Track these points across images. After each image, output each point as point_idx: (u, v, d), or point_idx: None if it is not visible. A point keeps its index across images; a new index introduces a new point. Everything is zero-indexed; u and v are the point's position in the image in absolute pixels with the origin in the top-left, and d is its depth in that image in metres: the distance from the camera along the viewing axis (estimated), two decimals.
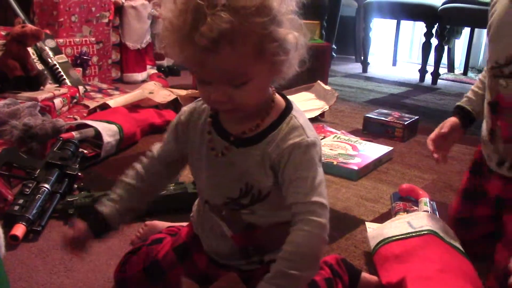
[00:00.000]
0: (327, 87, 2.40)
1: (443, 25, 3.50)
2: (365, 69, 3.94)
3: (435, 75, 3.63)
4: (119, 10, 2.82)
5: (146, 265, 0.99)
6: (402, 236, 1.08)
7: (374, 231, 1.17)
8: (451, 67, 4.10)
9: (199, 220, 0.98)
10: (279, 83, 0.85)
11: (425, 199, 1.24)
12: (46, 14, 2.41)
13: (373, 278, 1.05)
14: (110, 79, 2.74)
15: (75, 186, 1.44)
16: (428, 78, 3.66)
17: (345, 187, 1.64)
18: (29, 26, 1.82)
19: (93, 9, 2.57)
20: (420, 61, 4.05)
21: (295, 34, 0.78)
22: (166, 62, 3.26)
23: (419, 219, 1.13)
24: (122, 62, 2.93)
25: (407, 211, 1.25)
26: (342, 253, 1.22)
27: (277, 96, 0.87)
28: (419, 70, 3.69)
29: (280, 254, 0.79)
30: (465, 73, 4.07)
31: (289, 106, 0.86)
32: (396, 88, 3.38)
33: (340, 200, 1.53)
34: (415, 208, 1.26)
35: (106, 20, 2.65)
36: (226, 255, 0.95)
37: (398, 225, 1.14)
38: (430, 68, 3.66)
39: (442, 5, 3.42)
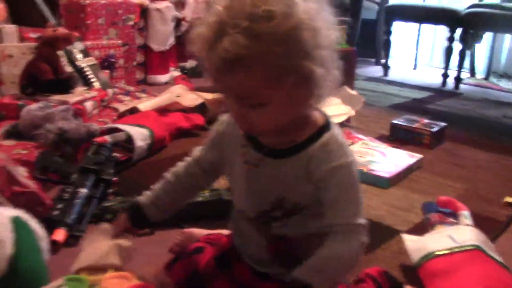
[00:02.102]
0: (353, 92, 2.40)
1: (466, 30, 3.47)
2: (386, 73, 3.92)
3: (458, 80, 3.60)
4: (144, 13, 2.84)
5: (188, 275, 1.00)
6: (447, 251, 1.07)
7: (415, 244, 1.16)
8: (472, 72, 4.06)
9: (236, 228, 0.99)
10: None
11: (465, 212, 1.23)
12: (74, 16, 2.43)
13: None
14: (134, 80, 2.75)
15: (110, 191, 1.45)
16: (450, 82, 3.64)
17: (376, 195, 1.63)
18: (61, 30, 1.84)
19: (119, 11, 2.58)
20: (441, 65, 4.04)
21: (322, 71, 0.74)
22: (188, 64, 3.27)
23: (461, 233, 1.12)
24: (147, 64, 2.95)
25: (444, 223, 1.24)
26: (379, 264, 1.21)
27: (316, 113, 0.85)
28: (442, 75, 3.66)
29: (315, 259, 0.81)
30: (486, 78, 4.04)
31: (328, 124, 0.84)
32: (418, 93, 3.35)
33: (372, 208, 1.53)
34: (451, 220, 1.25)
35: (131, 23, 2.67)
36: (265, 263, 0.95)
37: (440, 239, 1.13)
38: (451, 72, 3.63)
39: (466, 9, 3.40)
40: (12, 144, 1.53)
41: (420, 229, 1.36)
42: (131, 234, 1.05)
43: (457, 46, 3.54)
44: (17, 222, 0.95)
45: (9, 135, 1.58)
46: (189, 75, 3.16)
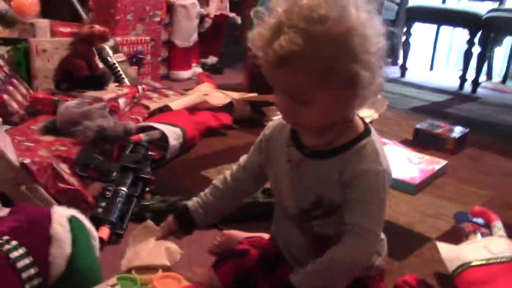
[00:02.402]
0: (377, 96, 2.42)
1: (487, 34, 3.48)
2: (403, 74, 3.93)
3: (475, 83, 3.61)
4: (170, 9, 2.86)
5: (235, 277, 1.03)
6: (484, 262, 1.10)
7: (450, 253, 1.19)
8: (489, 75, 4.07)
9: (278, 228, 1.04)
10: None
11: (498, 223, 1.26)
12: (103, 12, 2.46)
13: None
14: (158, 76, 2.79)
15: (147, 189, 1.49)
16: (467, 85, 3.65)
17: (404, 201, 1.66)
18: (97, 27, 1.86)
19: (147, 7, 2.61)
20: (457, 67, 4.06)
21: (368, 75, 0.79)
22: (210, 60, 3.30)
23: (497, 245, 1.15)
24: (170, 60, 2.98)
25: (478, 234, 1.27)
26: (413, 271, 1.24)
27: (357, 119, 0.90)
28: (460, 77, 3.67)
29: (314, 265, 0.87)
30: (503, 81, 4.05)
31: (367, 131, 0.89)
32: (437, 96, 3.37)
33: (401, 214, 1.56)
34: (485, 230, 1.28)
35: (158, 19, 2.69)
36: (306, 264, 0.99)
37: (476, 249, 1.16)
38: (468, 75, 3.64)
39: (487, 13, 3.40)
40: (50, 140, 1.55)
41: (451, 236, 1.40)
42: (176, 237, 1.09)
43: (476, 49, 3.55)
44: (73, 222, 0.99)
45: (47, 130, 1.61)
46: (210, 71, 3.19)
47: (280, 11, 0.79)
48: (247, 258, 1.06)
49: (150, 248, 1.09)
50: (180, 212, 1.08)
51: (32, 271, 0.90)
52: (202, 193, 1.07)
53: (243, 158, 1.06)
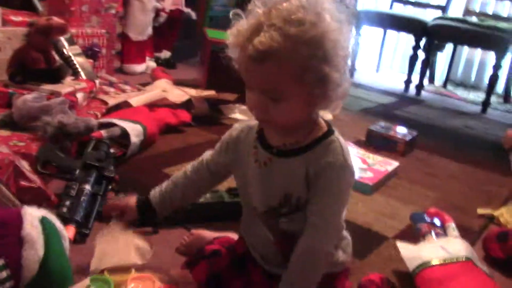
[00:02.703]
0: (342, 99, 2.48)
1: (431, 40, 3.64)
2: (352, 75, 4.04)
3: (420, 87, 3.77)
4: (125, 2, 2.81)
5: (208, 277, 1.05)
6: (442, 261, 1.17)
7: (409, 252, 1.26)
8: (432, 79, 4.26)
9: (246, 227, 1.07)
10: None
11: (452, 224, 1.34)
12: (57, 2, 2.37)
13: None
14: (112, 69, 2.73)
15: (110, 187, 1.47)
16: (411, 88, 3.80)
17: (361, 201, 1.72)
18: (55, 19, 1.80)
19: None
20: (401, 70, 4.24)
21: (338, 76, 0.85)
22: (163, 54, 3.26)
23: (453, 245, 1.23)
24: (123, 53, 2.92)
25: (433, 234, 1.34)
26: (373, 269, 1.30)
27: (321, 120, 0.96)
28: (405, 81, 3.82)
29: (291, 264, 0.93)
30: (444, 85, 4.25)
31: (330, 130, 0.95)
32: (384, 98, 3.50)
33: (360, 214, 1.62)
34: (439, 231, 1.36)
35: (113, 11, 2.63)
36: (274, 262, 1.02)
37: (434, 249, 1.23)
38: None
39: (432, 20, 3.56)
40: (8, 135, 1.50)
41: (407, 236, 1.47)
42: (139, 233, 1.12)
43: (420, 54, 3.71)
44: (45, 223, 0.97)
45: (2, 124, 1.55)
46: (163, 65, 3.16)
47: (260, 12, 0.86)
48: (219, 258, 1.07)
49: (120, 247, 1.08)
50: (142, 201, 1.14)
51: (4, 274, 0.88)
52: (162, 184, 1.14)
53: (206, 156, 1.10)
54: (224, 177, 1.12)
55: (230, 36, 0.88)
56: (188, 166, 1.12)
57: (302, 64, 0.83)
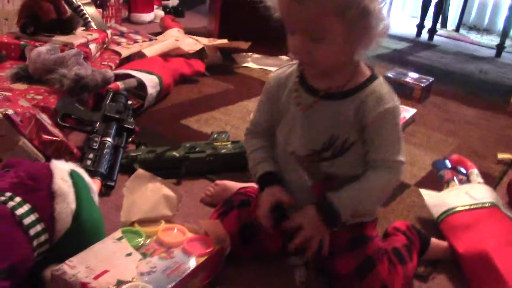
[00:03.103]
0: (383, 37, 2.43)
1: None
2: None
3: (432, 31, 3.69)
4: None
5: (242, 226, 1.05)
6: (467, 207, 1.17)
7: (434, 199, 1.26)
8: (444, 23, 4.16)
9: (280, 173, 1.05)
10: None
11: (475, 171, 1.33)
12: None
13: (442, 243, 1.14)
14: (119, 19, 2.67)
15: (130, 139, 1.46)
16: (424, 33, 3.72)
17: None
18: None
19: None
20: (412, 14, 4.14)
21: (378, 8, 0.85)
22: (171, 2, 3.18)
23: (478, 191, 1.23)
24: (131, 2, 2.85)
25: (457, 181, 1.34)
26: (397, 217, 1.31)
27: (363, 65, 0.96)
28: (417, 26, 3.74)
29: (351, 189, 0.95)
30: (457, 29, 4.15)
31: (374, 74, 0.96)
32: (397, 43, 3.43)
33: None
34: (462, 177, 1.35)
35: None
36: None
37: (458, 196, 1.23)
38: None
39: None
40: (24, 88, 1.48)
41: (429, 182, 1.47)
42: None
43: None
44: (74, 176, 0.96)
45: (18, 78, 1.53)
46: (171, 14, 3.09)
47: None
48: (249, 207, 1.08)
49: (149, 198, 1.08)
50: (268, 177, 1.04)
51: (38, 227, 0.87)
52: (262, 156, 1.05)
53: (256, 119, 1.08)
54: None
55: None
56: (253, 142, 1.07)
57: None
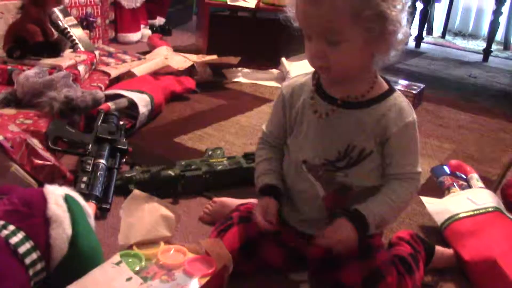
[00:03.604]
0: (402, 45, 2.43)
1: None
2: None
3: (419, 39, 3.71)
4: None
5: (243, 243, 1.03)
6: (470, 213, 1.16)
7: (436, 207, 1.24)
8: (430, 30, 4.20)
9: (291, 183, 1.04)
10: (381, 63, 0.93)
11: (475, 175, 1.32)
12: None
13: (447, 251, 1.12)
14: (107, 39, 2.65)
15: (123, 160, 1.43)
16: (410, 40, 3.74)
17: None
18: None
19: None
20: None
21: (395, 14, 0.84)
22: (158, 21, 3.18)
23: (479, 196, 1.21)
24: (117, 22, 2.84)
25: (457, 186, 1.32)
26: (400, 225, 1.29)
27: (380, 77, 0.96)
28: None
29: (379, 201, 0.95)
30: (443, 36, 4.19)
31: (392, 87, 0.97)
32: None
33: None
34: (462, 182, 1.34)
35: None
36: (314, 220, 1.01)
37: (460, 202, 1.21)
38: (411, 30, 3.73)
39: None
40: (13, 113, 1.44)
41: (429, 190, 1.45)
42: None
43: (418, 5, 3.63)
44: (68, 201, 0.94)
45: (6, 102, 1.50)
46: (158, 32, 3.08)
47: None
48: (250, 224, 1.05)
49: (146, 219, 1.06)
50: (269, 191, 1.03)
51: (34, 255, 0.85)
52: (266, 168, 1.05)
53: (268, 129, 1.07)
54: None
55: None
56: (261, 153, 1.07)
57: (359, 1, 0.82)
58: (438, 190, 1.40)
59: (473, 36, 4.33)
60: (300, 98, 0.99)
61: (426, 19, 3.69)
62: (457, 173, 1.36)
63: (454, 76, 2.99)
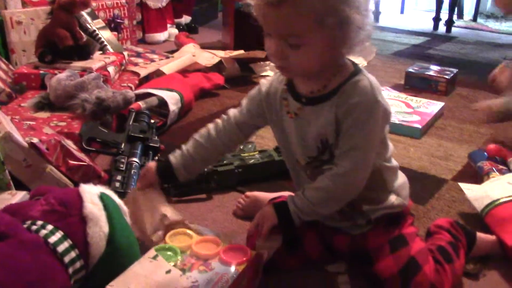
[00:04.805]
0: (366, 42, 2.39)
1: None
2: (377, 18, 3.90)
3: (450, 23, 3.62)
4: None
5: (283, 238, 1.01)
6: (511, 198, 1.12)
7: (475, 193, 1.20)
8: (460, 14, 4.09)
9: (297, 183, 1.04)
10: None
11: None
12: None
13: (489, 237, 1.09)
14: (135, 40, 2.68)
15: (156, 158, 1.44)
16: (441, 25, 3.65)
17: (412, 146, 1.66)
18: None
19: None
20: (427, 8, 4.06)
21: (360, 17, 0.81)
22: (184, 20, 3.19)
23: None
24: (144, 23, 2.86)
25: (496, 171, 1.29)
26: (438, 213, 1.26)
27: (347, 62, 0.91)
28: (433, 19, 3.67)
29: (307, 190, 0.91)
30: (474, 19, 4.07)
31: (356, 70, 0.90)
32: (414, 38, 3.37)
33: (413, 159, 1.56)
34: (502, 167, 1.30)
35: None
36: (329, 216, 0.99)
37: (500, 186, 1.17)
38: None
39: None
40: (47, 116, 1.48)
41: (467, 176, 1.41)
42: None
43: None
44: (104, 199, 0.94)
45: (40, 106, 1.53)
46: (185, 31, 3.09)
47: None
48: None
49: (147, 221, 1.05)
50: (163, 166, 1.06)
51: (73, 254, 0.86)
52: (185, 149, 1.06)
53: (233, 114, 1.04)
54: (252, 135, 1.09)
55: None
56: (210, 126, 1.06)
57: (321, 5, 0.78)
58: (477, 176, 1.36)
59: (506, 17, 4.19)
60: (276, 95, 0.97)
61: (456, 2, 3.59)
62: (496, 157, 1.32)
63: (488, 59, 2.90)
